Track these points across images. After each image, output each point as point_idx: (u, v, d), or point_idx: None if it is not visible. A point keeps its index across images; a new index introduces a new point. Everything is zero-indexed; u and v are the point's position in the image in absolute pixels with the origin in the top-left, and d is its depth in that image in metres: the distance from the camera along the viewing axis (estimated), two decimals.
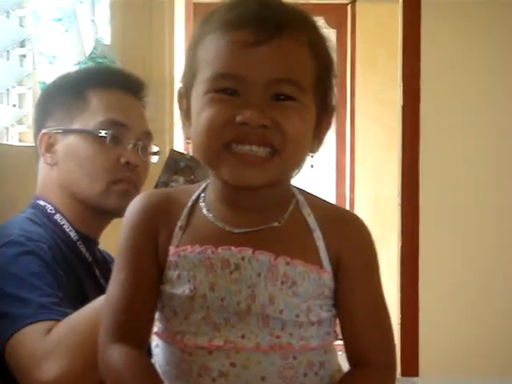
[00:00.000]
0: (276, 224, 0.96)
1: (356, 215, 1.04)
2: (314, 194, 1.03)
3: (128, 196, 1.49)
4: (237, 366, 0.91)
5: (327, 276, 0.96)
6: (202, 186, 1.00)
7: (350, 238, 0.99)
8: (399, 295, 3.14)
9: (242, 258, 0.93)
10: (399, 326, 3.08)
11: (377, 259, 1.00)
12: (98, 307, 1.30)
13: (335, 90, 1.01)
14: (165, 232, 0.97)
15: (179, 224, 0.96)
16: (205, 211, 0.97)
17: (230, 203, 0.96)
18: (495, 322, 3.14)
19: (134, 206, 1.00)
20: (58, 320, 1.30)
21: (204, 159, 0.95)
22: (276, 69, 0.92)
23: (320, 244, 0.96)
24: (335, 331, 0.98)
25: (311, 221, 0.98)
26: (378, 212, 4.68)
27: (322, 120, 0.99)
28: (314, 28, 0.99)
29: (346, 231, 0.99)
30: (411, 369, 3.01)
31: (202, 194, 0.99)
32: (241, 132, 0.91)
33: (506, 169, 3.19)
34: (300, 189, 1.02)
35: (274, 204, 0.98)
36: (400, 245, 3.28)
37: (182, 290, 0.94)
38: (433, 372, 3.03)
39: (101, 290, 1.43)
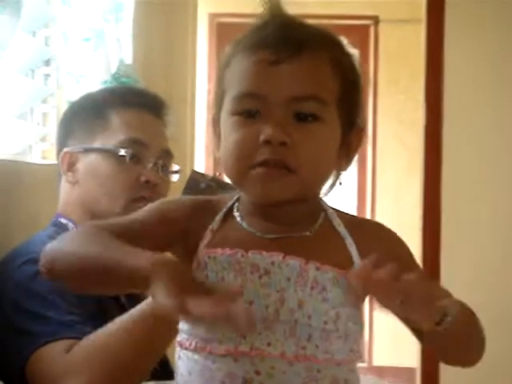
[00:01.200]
0: (307, 233, 0.98)
1: (381, 223, 1.06)
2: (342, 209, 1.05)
3: None
4: (261, 373, 0.91)
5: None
6: (236, 197, 1.02)
7: (385, 242, 1.01)
8: None
9: (272, 263, 0.94)
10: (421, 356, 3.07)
11: (411, 250, 1.03)
12: (118, 327, 1.31)
13: (362, 108, 1.03)
14: (195, 231, 0.98)
15: (211, 227, 0.98)
16: (238, 219, 0.99)
17: (259, 213, 0.98)
18: None
19: (169, 199, 1.04)
20: (79, 338, 1.31)
21: (231, 180, 0.99)
22: (296, 86, 0.94)
23: (353, 250, 0.98)
24: (359, 351, 0.98)
25: (342, 230, 0.99)
26: (400, 234, 4.65)
27: (349, 139, 1.01)
28: (337, 46, 1.01)
29: (378, 237, 1.01)
30: None
31: (236, 204, 1.01)
32: (266, 156, 0.93)
33: None
34: (328, 204, 1.04)
35: (304, 217, 0.99)
36: (422, 269, 3.26)
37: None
38: None
39: (121, 309, 1.44)
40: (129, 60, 2.22)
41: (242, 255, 0.94)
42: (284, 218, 0.98)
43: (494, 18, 3.22)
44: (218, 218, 0.99)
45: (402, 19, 4.76)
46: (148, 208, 1.01)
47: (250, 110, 0.95)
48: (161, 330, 1.24)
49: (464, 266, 3.19)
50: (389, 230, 1.04)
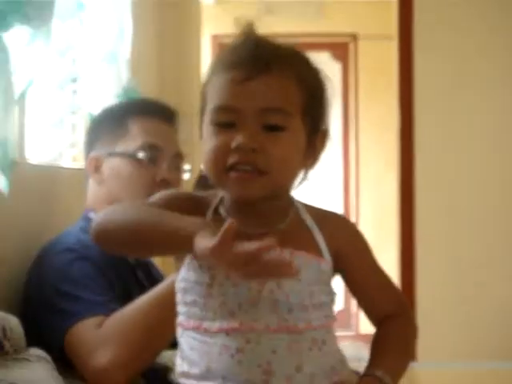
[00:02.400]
0: (281, 227, 0.99)
1: (343, 214, 1.09)
2: (310, 203, 1.05)
3: None
4: (251, 342, 0.92)
5: (325, 264, 0.98)
6: (220, 195, 1.02)
7: (345, 232, 1.02)
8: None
9: None
10: None
11: (367, 242, 1.05)
12: (141, 304, 1.31)
13: (328, 115, 1.02)
14: None
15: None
16: (223, 214, 0.99)
17: (240, 211, 0.99)
18: (489, 314, 3.12)
19: (168, 191, 1.04)
20: (108, 315, 1.31)
21: (212, 181, 0.99)
22: (264, 100, 0.94)
23: (319, 239, 0.99)
24: (333, 316, 1.00)
25: (309, 222, 1.00)
26: (380, 218, 4.67)
27: (315, 141, 1.00)
28: (303, 63, 1.00)
29: (339, 227, 1.02)
30: None
31: (222, 201, 1.02)
32: (237, 159, 0.93)
33: (484, 171, 3.21)
34: (298, 200, 1.04)
35: (277, 212, 1.00)
36: (399, 246, 3.28)
37: (203, 277, 0.95)
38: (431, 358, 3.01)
39: (143, 289, 1.45)
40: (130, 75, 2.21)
41: None
42: (260, 213, 0.98)
43: (457, 35, 3.23)
44: (209, 214, 0.99)
45: (377, 36, 4.75)
46: (159, 195, 1.02)
47: (225, 120, 0.95)
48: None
49: (436, 242, 3.21)
50: (349, 222, 1.06)
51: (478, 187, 3.20)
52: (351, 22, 4.90)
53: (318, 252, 0.98)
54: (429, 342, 2.98)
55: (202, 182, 1.46)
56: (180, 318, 0.98)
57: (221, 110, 0.95)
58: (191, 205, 1.00)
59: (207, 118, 0.97)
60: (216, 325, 0.93)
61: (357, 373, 1.03)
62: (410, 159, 3.25)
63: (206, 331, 0.94)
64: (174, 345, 1.41)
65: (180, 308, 0.98)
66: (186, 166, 1.67)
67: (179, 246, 0.90)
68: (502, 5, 3.17)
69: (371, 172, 4.94)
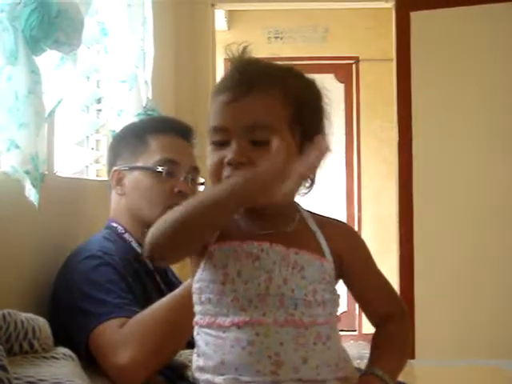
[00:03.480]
0: (288, 229, 0.99)
1: (345, 222, 1.08)
2: (316, 211, 1.04)
3: None
4: (260, 335, 0.93)
5: (327, 264, 0.98)
6: None
7: (347, 238, 1.02)
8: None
9: (262, 250, 0.95)
10: None
11: (368, 248, 1.04)
12: (159, 307, 1.31)
13: (322, 122, 1.01)
14: None
15: None
16: (236, 217, 1.00)
17: (250, 214, 0.99)
18: (482, 316, 3.09)
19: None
20: (129, 317, 1.31)
21: None
22: (248, 118, 0.96)
23: (322, 241, 0.99)
24: (337, 315, 0.99)
25: (314, 227, 1.01)
26: (381, 228, 4.66)
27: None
28: (289, 79, 1.00)
29: (341, 233, 1.02)
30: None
31: None
32: (229, 172, 0.95)
33: (479, 181, 3.19)
34: (304, 208, 1.04)
35: (284, 216, 1.00)
36: (399, 252, 3.27)
37: (217, 276, 0.96)
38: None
39: (161, 293, 1.44)
40: (150, 96, 2.22)
41: (239, 245, 0.96)
42: (267, 217, 0.99)
43: (450, 55, 3.23)
44: None
45: (377, 59, 4.76)
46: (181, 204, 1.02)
47: (218, 139, 0.97)
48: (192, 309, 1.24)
49: (432, 250, 3.19)
50: (351, 229, 1.06)
51: (473, 196, 3.18)
52: (353, 47, 4.91)
53: (320, 253, 0.98)
54: (426, 340, 2.96)
55: None
56: (196, 317, 0.98)
57: (214, 130, 0.98)
58: None
59: (208, 138, 1.00)
60: (228, 320, 0.94)
61: (359, 370, 1.03)
62: (409, 171, 3.24)
63: (220, 326, 0.94)
64: (190, 344, 1.41)
65: (196, 308, 0.99)
66: (202, 179, 1.67)
67: (226, 208, 0.90)
68: (491, 26, 3.17)
69: (372, 184, 4.93)
